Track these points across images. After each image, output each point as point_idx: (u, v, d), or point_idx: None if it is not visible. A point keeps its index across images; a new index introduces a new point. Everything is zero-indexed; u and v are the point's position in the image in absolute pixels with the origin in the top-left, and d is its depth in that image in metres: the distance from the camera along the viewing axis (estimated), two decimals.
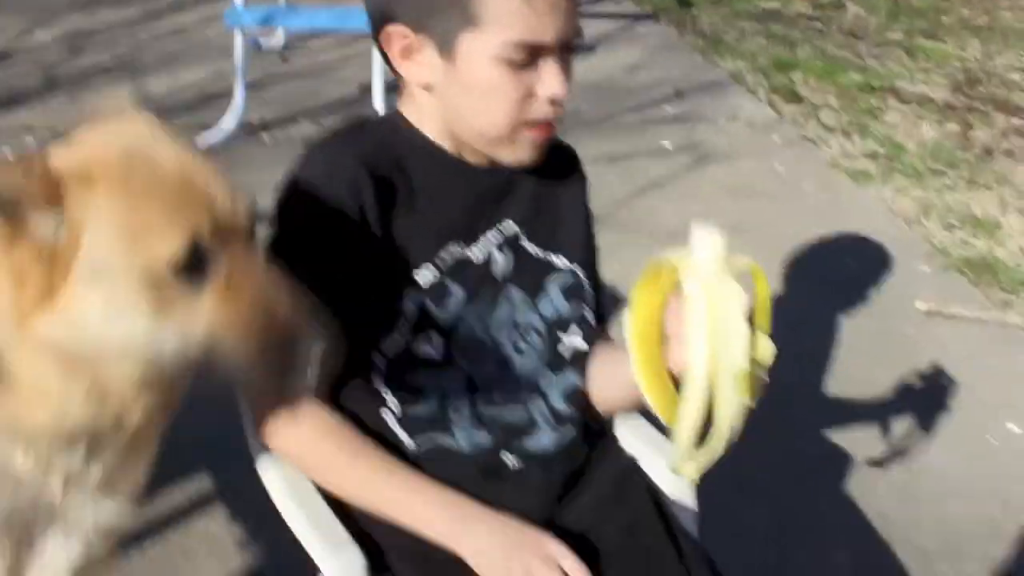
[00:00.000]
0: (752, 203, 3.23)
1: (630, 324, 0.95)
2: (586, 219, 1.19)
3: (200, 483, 1.94)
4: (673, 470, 0.97)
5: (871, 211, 3.24)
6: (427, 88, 1.03)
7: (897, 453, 2.13)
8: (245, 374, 0.88)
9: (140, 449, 0.98)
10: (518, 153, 1.05)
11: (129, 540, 1.80)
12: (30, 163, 0.80)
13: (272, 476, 1.09)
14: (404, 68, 1.03)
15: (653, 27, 5.10)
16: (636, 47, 4.74)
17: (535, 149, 1.05)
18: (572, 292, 1.13)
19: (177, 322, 0.82)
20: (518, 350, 1.09)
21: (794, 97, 4.20)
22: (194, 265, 0.81)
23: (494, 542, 0.97)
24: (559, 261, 1.13)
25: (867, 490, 2.02)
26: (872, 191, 3.38)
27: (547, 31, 0.97)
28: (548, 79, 1.00)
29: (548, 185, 1.14)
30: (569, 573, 0.94)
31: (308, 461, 1.05)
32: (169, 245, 0.80)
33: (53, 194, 0.79)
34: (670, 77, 4.34)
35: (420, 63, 1.01)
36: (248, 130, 3.58)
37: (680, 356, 0.92)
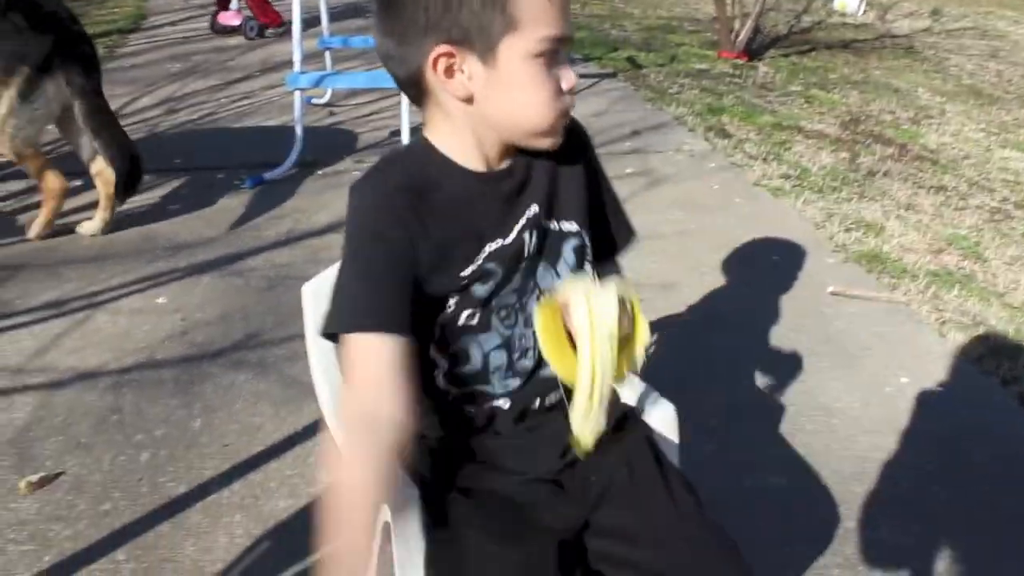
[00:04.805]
0: (695, 214, 3.17)
1: (539, 320, 0.91)
2: (585, 178, 1.05)
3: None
4: (577, 433, 0.92)
5: (787, 218, 3.19)
6: (468, 101, 0.91)
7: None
8: None
9: None
10: (555, 139, 0.95)
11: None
12: None
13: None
14: (448, 87, 0.90)
15: (615, 83, 5.03)
16: (603, 98, 4.68)
17: (562, 134, 0.96)
18: (580, 251, 1.02)
19: None
20: None
21: (724, 134, 4.14)
22: None
23: None
24: (570, 226, 1.02)
25: (797, 429, 1.96)
26: (787, 203, 3.32)
27: (564, 26, 0.88)
28: (565, 72, 0.91)
29: (556, 162, 1.02)
30: None
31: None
32: None
33: None
34: (629, 120, 4.29)
35: (462, 77, 0.89)
36: (304, 166, 3.52)
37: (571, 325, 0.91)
